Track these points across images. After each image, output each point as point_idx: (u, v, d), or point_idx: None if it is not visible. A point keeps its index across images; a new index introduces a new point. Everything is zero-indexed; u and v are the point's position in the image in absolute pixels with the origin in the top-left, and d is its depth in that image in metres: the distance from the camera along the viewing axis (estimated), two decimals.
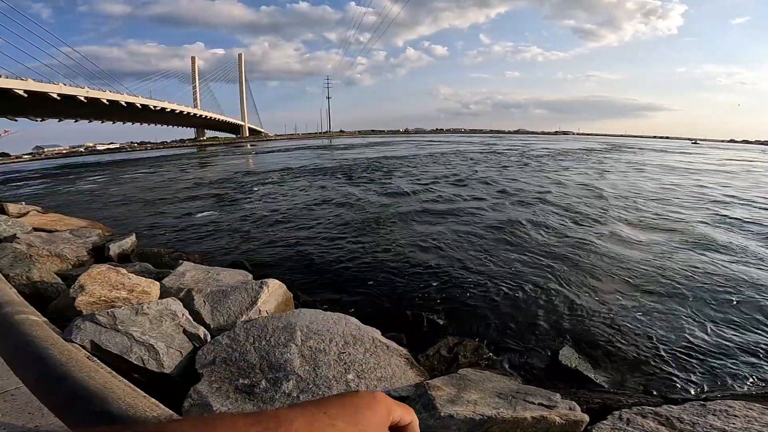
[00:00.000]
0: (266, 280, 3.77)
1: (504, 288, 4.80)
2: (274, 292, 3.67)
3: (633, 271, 5.37)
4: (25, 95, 42.37)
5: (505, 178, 15.66)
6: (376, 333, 3.12)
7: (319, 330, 2.93)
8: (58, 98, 46.52)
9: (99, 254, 5.80)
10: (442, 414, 2.14)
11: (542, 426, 2.18)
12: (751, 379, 3.14)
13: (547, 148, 39.84)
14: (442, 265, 5.61)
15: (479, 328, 3.90)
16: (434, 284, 4.94)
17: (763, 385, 3.07)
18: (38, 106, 47.81)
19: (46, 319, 2.84)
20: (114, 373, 1.93)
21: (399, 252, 6.23)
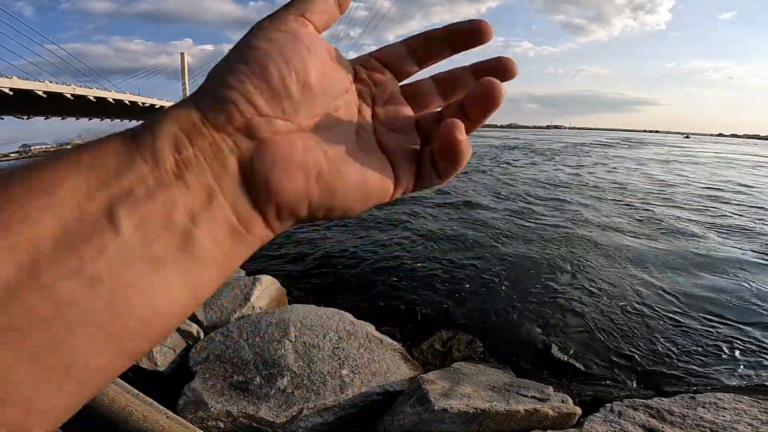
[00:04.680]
0: (259, 276, 3.76)
1: (498, 282, 4.83)
2: (267, 288, 3.66)
3: (627, 266, 5.43)
4: (11, 93, 41.79)
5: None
6: (370, 328, 3.13)
7: (313, 325, 2.93)
8: (44, 96, 45.91)
9: None
10: (436, 408, 2.15)
11: (535, 419, 2.20)
12: (740, 373, 3.19)
13: (569, 142, 41.12)
14: (436, 259, 5.63)
15: (473, 321, 3.92)
16: (428, 278, 4.95)
17: (752, 378, 3.12)
18: (24, 103, 47.14)
19: None
20: None
21: (393, 246, 6.23)
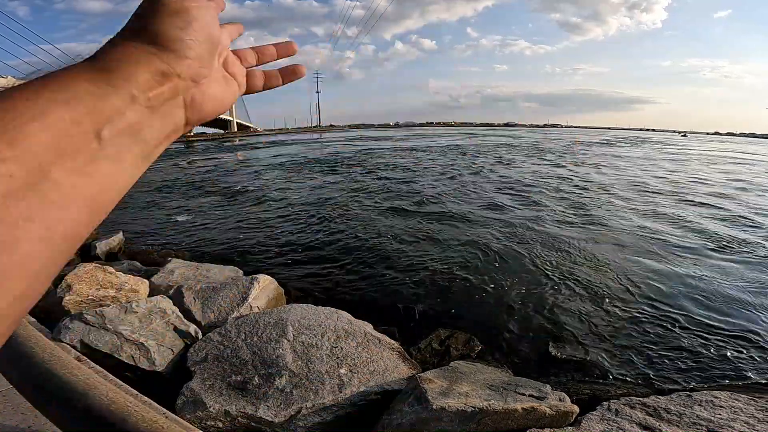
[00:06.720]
0: (257, 275, 3.75)
1: (495, 280, 4.84)
2: (265, 287, 3.66)
3: (624, 263, 5.45)
4: None
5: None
6: (368, 327, 3.13)
7: (311, 325, 2.93)
8: None
9: (85, 253, 5.71)
10: (434, 407, 2.16)
11: (533, 417, 2.21)
12: (736, 371, 3.20)
13: (573, 140, 41.89)
14: (434, 258, 5.63)
15: (470, 320, 3.93)
16: (426, 277, 4.96)
17: (749, 376, 3.14)
18: None
19: (34, 319, 2.81)
20: (99, 369, 1.92)
21: (391, 246, 6.24)
